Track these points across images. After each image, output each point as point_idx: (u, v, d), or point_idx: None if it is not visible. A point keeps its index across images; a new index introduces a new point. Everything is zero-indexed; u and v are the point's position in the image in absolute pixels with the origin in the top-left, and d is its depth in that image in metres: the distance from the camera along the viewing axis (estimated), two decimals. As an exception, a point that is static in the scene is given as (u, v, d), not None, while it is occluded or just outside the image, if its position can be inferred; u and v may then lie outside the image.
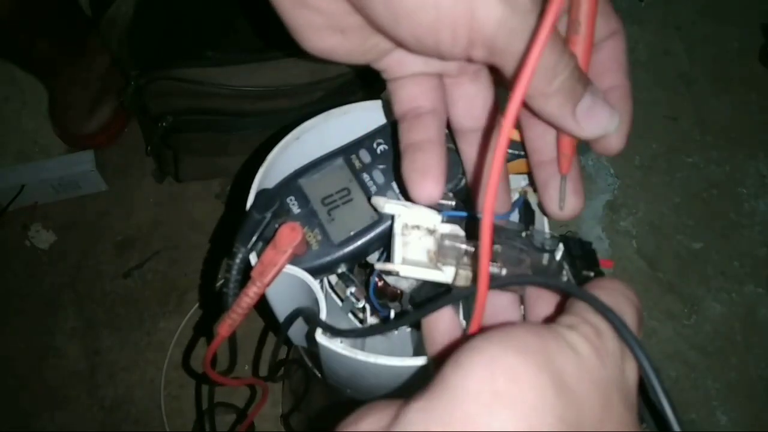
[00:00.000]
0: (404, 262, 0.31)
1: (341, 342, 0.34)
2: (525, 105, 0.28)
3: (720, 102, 1.08)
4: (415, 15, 0.25)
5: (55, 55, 0.92)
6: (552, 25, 0.22)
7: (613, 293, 0.23)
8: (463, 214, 0.32)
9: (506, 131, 0.22)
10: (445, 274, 0.30)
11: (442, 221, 0.32)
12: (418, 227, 0.31)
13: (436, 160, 0.30)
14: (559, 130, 0.30)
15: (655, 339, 0.92)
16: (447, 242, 0.30)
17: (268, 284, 0.32)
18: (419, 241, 0.31)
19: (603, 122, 0.28)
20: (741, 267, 0.97)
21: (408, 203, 0.32)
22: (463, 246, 0.30)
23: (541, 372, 0.18)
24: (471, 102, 0.32)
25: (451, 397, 0.18)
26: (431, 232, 0.31)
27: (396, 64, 0.31)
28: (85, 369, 0.89)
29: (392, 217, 0.32)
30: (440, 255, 0.31)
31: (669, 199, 1.01)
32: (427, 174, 0.30)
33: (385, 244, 0.37)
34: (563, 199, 0.30)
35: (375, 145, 0.38)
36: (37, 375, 0.89)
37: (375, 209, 0.36)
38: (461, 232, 0.31)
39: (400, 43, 0.28)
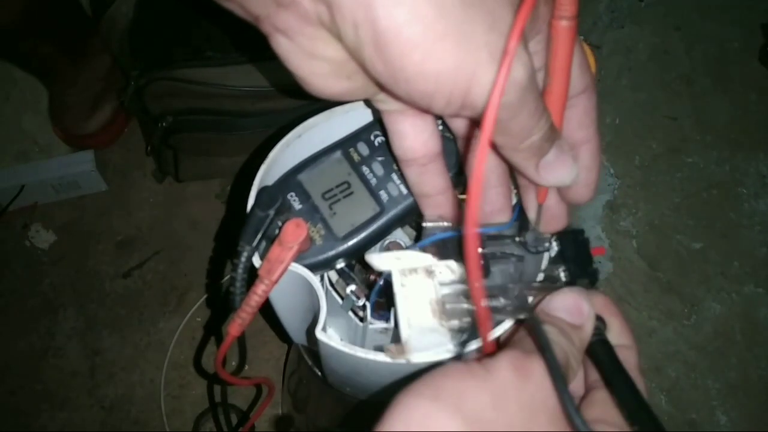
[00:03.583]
0: (410, 325, 0.32)
1: (341, 339, 0.34)
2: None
3: (720, 102, 1.08)
4: (414, 81, 0.25)
5: (56, 56, 0.92)
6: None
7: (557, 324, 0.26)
8: (451, 234, 0.34)
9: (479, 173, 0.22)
10: (453, 350, 0.31)
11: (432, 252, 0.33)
12: (415, 270, 0.32)
13: (449, 207, 0.35)
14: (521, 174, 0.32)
15: (655, 339, 0.92)
16: (448, 306, 0.31)
17: (276, 281, 0.32)
18: (420, 290, 0.32)
19: (562, 175, 0.29)
20: (741, 267, 0.97)
21: (399, 252, 0.33)
22: (465, 305, 0.31)
23: (452, 412, 0.20)
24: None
25: None
26: (429, 273, 0.32)
27: (392, 98, 0.32)
28: (85, 369, 0.89)
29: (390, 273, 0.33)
30: (445, 315, 0.32)
31: (669, 199, 1.01)
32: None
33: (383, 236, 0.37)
34: (539, 222, 0.33)
35: (372, 138, 0.38)
36: (37, 375, 0.89)
37: (376, 202, 0.36)
38: (455, 267, 0.32)
39: (394, 97, 0.29)
